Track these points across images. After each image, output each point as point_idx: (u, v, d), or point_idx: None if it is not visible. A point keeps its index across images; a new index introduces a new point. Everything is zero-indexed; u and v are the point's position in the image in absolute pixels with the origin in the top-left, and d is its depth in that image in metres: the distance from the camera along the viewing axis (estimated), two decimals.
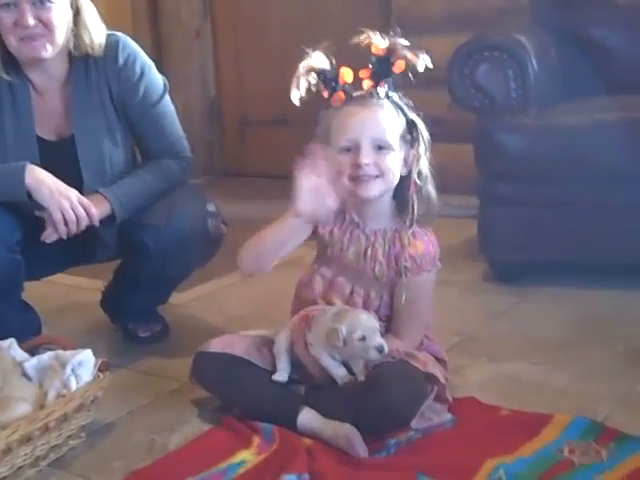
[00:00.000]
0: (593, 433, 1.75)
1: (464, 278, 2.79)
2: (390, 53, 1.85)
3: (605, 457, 1.66)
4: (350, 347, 1.81)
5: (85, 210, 2.10)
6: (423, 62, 1.85)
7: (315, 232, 1.95)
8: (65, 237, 2.11)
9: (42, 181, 2.08)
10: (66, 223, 2.09)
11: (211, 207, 2.30)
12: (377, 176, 1.84)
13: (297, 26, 4.23)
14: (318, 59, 1.86)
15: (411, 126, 1.89)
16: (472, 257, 2.89)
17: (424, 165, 1.90)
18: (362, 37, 1.85)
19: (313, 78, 1.86)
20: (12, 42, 2.10)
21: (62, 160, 2.17)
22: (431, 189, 1.92)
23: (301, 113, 1.90)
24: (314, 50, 1.88)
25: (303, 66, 1.87)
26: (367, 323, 1.83)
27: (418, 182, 1.89)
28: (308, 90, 1.87)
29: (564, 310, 2.49)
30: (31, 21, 2.06)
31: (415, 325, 1.95)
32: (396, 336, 1.93)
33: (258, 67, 4.46)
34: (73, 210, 2.08)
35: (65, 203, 2.08)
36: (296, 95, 1.86)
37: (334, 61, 1.87)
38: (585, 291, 2.60)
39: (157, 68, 2.32)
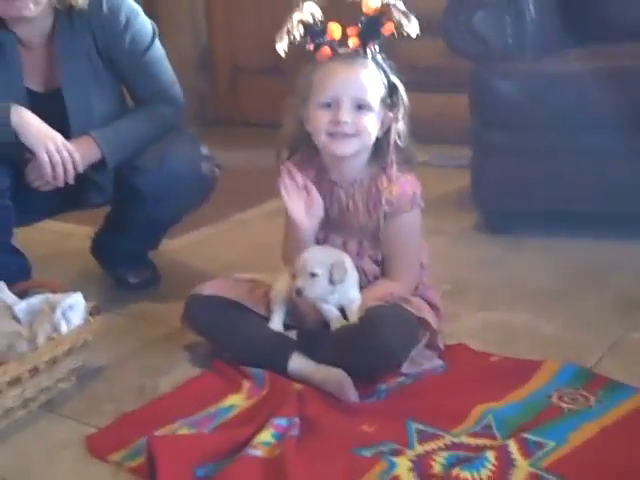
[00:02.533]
0: (582, 380, 1.76)
1: (456, 227, 2.79)
2: (381, 14, 1.83)
3: (593, 404, 1.67)
4: None
5: (70, 155, 2.08)
6: (413, 28, 1.83)
7: None
8: (52, 182, 2.10)
9: (28, 122, 2.06)
10: (52, 166, 2.07)
11: (204, 150, 2.28)
12: (354, 135, 1.84)
13: None
14: (308, 12, 1.84)
15: (392, 89, 1.88)
16: (464, 207, 2.88)
17: (402, 128, 1.89)
18: None
19: (300, 31, 1.84)
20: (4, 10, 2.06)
21: (51, 111, 2.14)
22: (410, 146, 1.91)
23: (293, 61, 1.88)
24: (305, 2, 1.85)
25: (292, 18, 1.85)
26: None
27: (399, 142, 1.89)
28: (294, 42, 1.85)
29: (555, 259, 2.49)
30: None
31: (406, 266, 1.95)
32: (390, 279, 1.94)
33: (250, 14, 4.40)
34: (58, 153, 2.07)
35: (50, 145, 2.07)
36: (282, 47, 1.86)
37: (323, 15, 1.85)
38: (576, 241, 2.59)
39: (147, 15, 2.28)
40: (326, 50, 1.86)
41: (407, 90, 1.91)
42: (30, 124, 2.07)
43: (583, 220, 2.65)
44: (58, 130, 2.11)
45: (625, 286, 2.27)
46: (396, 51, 1.95)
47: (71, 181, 2.12)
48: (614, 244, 2.54)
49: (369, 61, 1.85)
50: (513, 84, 2.59)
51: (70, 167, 2.10)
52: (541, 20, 2.70)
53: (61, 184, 2.11)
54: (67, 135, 2.15)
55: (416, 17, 1.85)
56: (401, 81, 1.90)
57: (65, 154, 2.08)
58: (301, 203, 1.90)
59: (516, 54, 2.64)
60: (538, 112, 2.57)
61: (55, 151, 2.07)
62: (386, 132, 1.90)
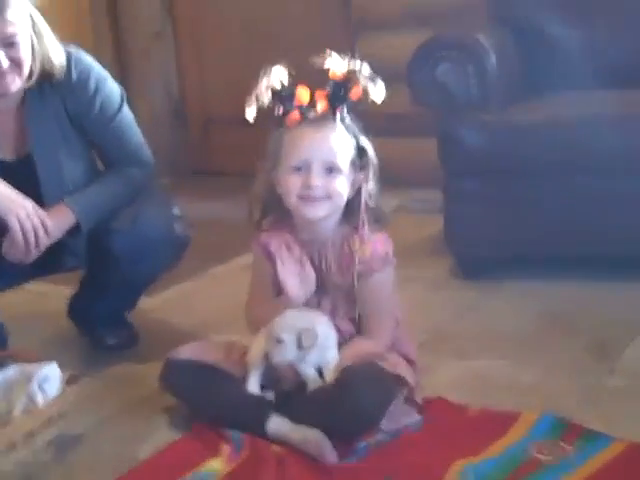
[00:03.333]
0: (559, 431, 1.77)
1: (430, 274, 2.80)
2: (348, 79, 1.85)
3: (571, 455, 1.68)
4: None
5: (41, 222, 2.09)
6: (379, 92, 1.86)
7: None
8: (24, 252, 2.11)
9: None
10: (24, 233, 2.08)
11: (176, 210, 2.29)
12: (325, 198, 1.87)
13: (259, 25, 4.22)
14: (275, 78, 1.86)
15: (361, 151, 1.90)
16: (438, 252, 2.89)
17: (372, 188, 1.92)
18: (322, 58, 1.85)
19: (269, 96, 1.86)
20: None
21: (22, 179, 2.15)
22: (380, 204, 1.94)
23: (265, 112, 1.90)
24: (272, 66, 1.88)
25: (260, 84, 1.87)
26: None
27: (369, 203, 1.91)
28: (263, 107, 1.87)
29: (530, 304, 2.50)
30: (5, 63, 2.05)
31: (381, 324, 1.96)
32: (365, 337, 1.95)
33: (221, 67, 4.43)
34: (29, 220, 2.08)
35: (22, 212, 2.08)
36: (251, 113, 1.88)
37: (291, 80, 1.87)
38: (550, 284, 2.61)
39: (118, 71, 2.31)
40: (295, 115, 1.88)
41: (376, 136, 1.93)
42: (0, 192, 2.08)
43: (556, 263, 2.68)
44: (30, 196, 2.12)
45: (598, 330, 2.29)
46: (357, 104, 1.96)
47: (43, 249, 2.12)
48: (587, 286, 2.56)
49: (338, 124, 1.88)
50: (479, 134, 2.62)
51: (42, 234, 2.10)
52: (502, 70, 2.73)
53: (32, 252, 2.11)
54: (39, 200, 2.16)
55: (383, 66, 1.88)
56: (369, 140, 1.92)
57: (36, 221, 2.09)
58: (296, 277, 1.92)
59: (480, 105, 2.68)
60: (505, 161, 2.61)
61: (26, 218, 2.08)
62: (357, 193, 1.92)
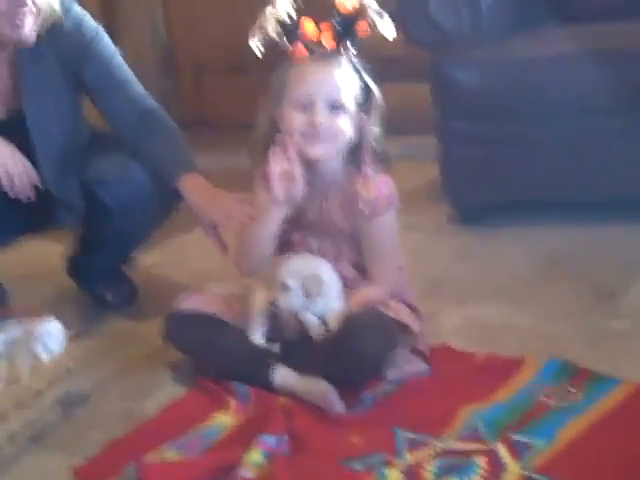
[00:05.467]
0: (566, 374, 1.78)
1: (429, 221, 2.78)
2: (357, 14, 1.82)
3: (580, 399, 1.69)
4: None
5: (25, 169, 2.10)
6: (388, 28, 1.82)
7: None
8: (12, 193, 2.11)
9: None
10: (10, 177, 2.08)
11: None
12: (329, 136, 1.84)
13: None
14: (282, 8, 1.83)
15: (367, 91, 1.87)
16: (436, 199, 2.86)
17: (377, 129, 1.89)
18: None
19: (274, 28, 1.83)
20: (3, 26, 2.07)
21: (13, 133, 2.13)
22: (385, 147, 1.92)
23: (258, 59, 1.86)
24: None
25: (265, 14, 1.83)
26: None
27: (373, 144, 1.89)
28: (268, 39, 1.84)
29: (529, 249, 2.49)
30: (29, 1, 2.05)
31: (385, 268, 1.95)
32: (370, 282, 1.94)
33: (211, 11, 4.33)
34: (15, 167, 2.08)
35: (9, 160, 2.07)
36: (255, 43, 1.84)
37: (297, 12, 1.84)
38: (549, 229, 2.60)
39: (105, 19, 2.28)
40: (301, 50, 1.85)
41: (373, 81, 1.90)
42: None
43: (555, 207, 2.66)
44: (22, 150, 2.11)
45: (601, 273, 2.28)
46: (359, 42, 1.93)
47: (32, 194, 2.12)
48: (587, 230, 2.55)
49: (344, 62, 1.85)
50: (473, 72, 2.58)
51: (25, 180, 2.10)
52: (495, 3, 2.68)
53: (22, 196, 2.11)
54: (31, 154, 2.15)
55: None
56: (374, 81, 1.89)
57: (20, 167, 2.09)
58: (282, 174, 1.84)
59: (473, 40, 2.62)
60: (500, 99, 2.56)
61: (13, 165, 2.07)
62: (361, 134, 1.89)
